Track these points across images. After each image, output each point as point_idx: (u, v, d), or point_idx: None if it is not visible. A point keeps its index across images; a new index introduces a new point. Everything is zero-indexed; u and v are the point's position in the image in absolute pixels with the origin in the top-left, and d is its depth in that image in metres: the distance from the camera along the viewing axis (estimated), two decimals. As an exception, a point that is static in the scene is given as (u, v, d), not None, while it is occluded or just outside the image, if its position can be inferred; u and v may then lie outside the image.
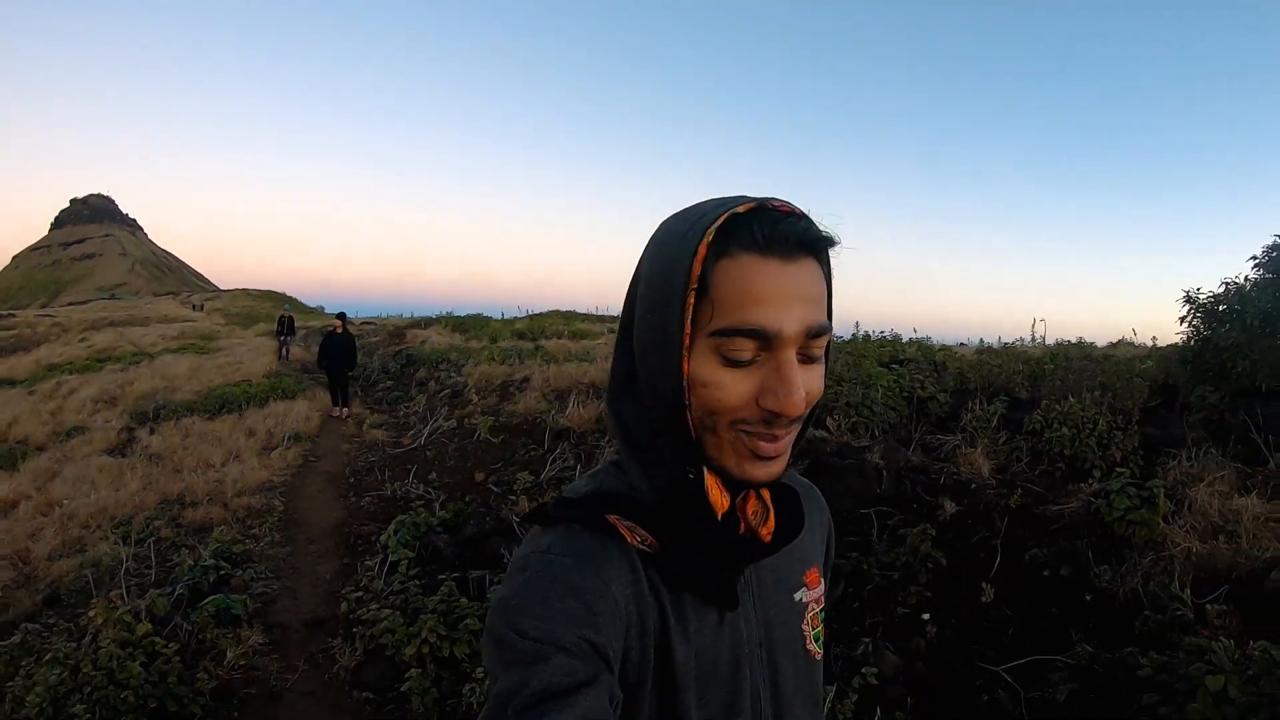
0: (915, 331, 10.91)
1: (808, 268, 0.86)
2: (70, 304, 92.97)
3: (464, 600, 4.32)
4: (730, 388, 0.85)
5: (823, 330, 0.87)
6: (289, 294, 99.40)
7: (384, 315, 40.99)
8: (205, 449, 10.69)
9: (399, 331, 23.77)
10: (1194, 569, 4.07)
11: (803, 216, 0.87)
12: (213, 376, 18.19)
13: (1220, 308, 6.76)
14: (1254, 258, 7.32)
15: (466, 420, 9.88)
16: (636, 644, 0.86)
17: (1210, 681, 2.97)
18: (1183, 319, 7.01)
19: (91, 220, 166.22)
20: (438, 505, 6.86)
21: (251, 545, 6.66)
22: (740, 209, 0.85)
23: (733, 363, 0.85)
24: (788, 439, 0.89)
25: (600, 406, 8.65)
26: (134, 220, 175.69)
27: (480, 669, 3.86)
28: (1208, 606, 3.69)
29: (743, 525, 0.93)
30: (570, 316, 24.90)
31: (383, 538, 5.92)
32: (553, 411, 8.84)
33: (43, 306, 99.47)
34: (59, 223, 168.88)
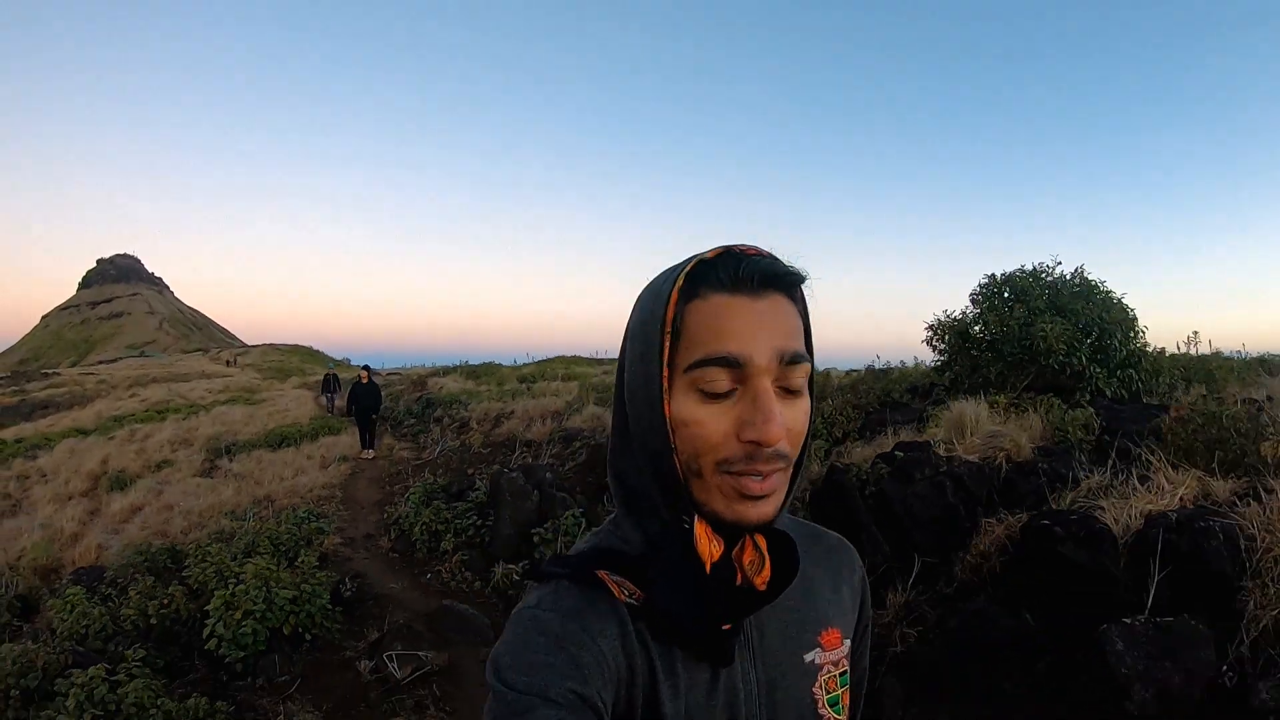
0: (878, 359, 14.10)
1: (776, 302, 0.93)
2: (101, 362, 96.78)
3: (443, 507, 8.72)
4: (710, 423, 0.91)
5: (798, 358, 0.92)
6: (314, 347, 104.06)
7: (408, 366, 45.90)
8: (276, 469, 15.11)
9: (421, 380, 28.24)
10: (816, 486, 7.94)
11: (768, 256, 0.94)
12: (266, 422, 22.73)
13: (949, 331, 10.53)
14: (971, 293, 10.75)
15: (467, 440, 14.30)
16: (625, 697, 0.92)
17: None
18: (925, 340, 10.86)
19: (118, 280, 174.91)
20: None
21: (325, 511, 11.03)
22: (708, 255, 0.94)
23: (710, 397, 0.91)
24: (776, 478, 0.92)
25: (552, 424, 13.06)
26: (160, 279, 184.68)
27: (451, 535, 8.22)
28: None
29: (739, 576, 0.95)
30: (572, 361, 29.30)
31: (406, 495, 10.33)
32: (522, 430, 13.23)
33: (73, 364, 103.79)
34: (86, 283, 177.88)
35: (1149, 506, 4.83)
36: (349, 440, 17.16)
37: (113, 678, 5.16)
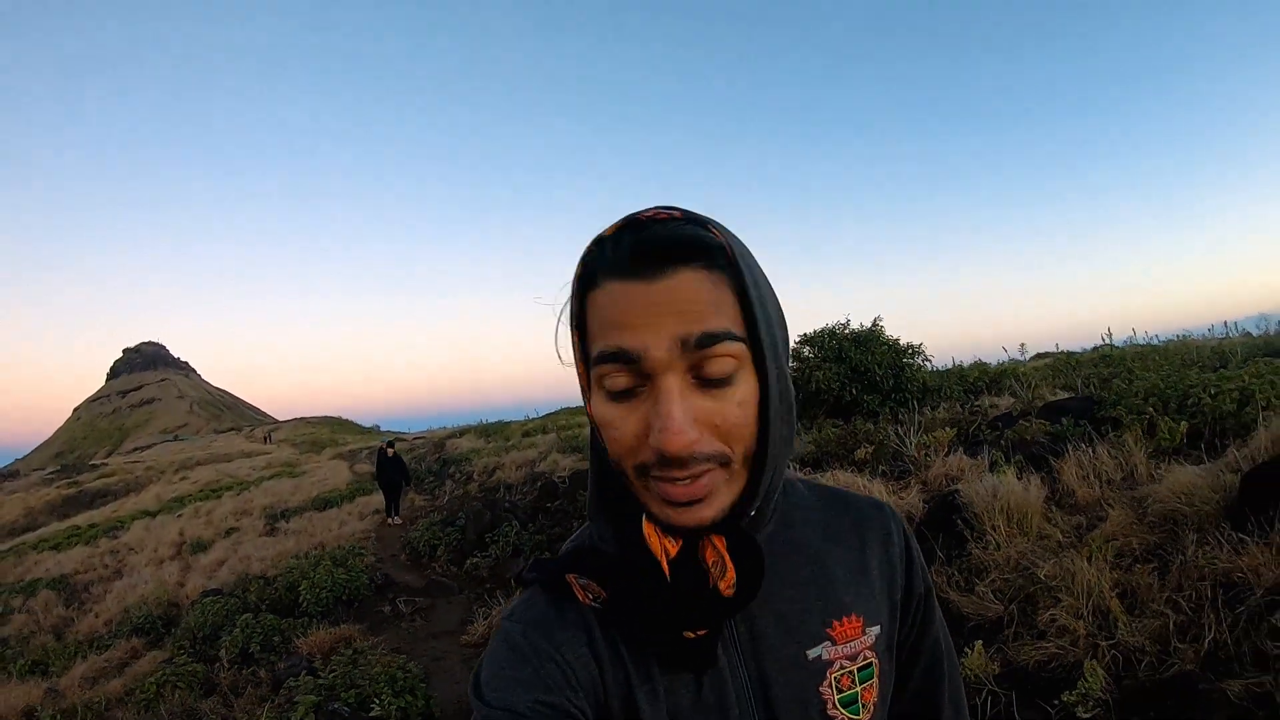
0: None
1: (681, 278, 0.84)
2: (136, 449, 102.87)
3: (439, 530, 14.15)
4: (620, 425, 0.88)
5: (708, 339, 0.84)
6: (343, 417, 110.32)
7: (433, 428, 52.10)
8: (325, 524, 20.47)
9: (441, 442, 33.83)
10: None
11: (676, 219, 0.86)
12: (310, 490, 28.07)
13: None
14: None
15: (468, 489, 19.72)
16: (604, 704, 0.94)
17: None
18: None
19: (146, 367, 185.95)
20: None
21: (363, 546, 16.35)
22: (608, 231, 0.88)
23: (616, 396, 0.88)
24: (710, 479, 0.87)
25: (526, 470, 18.43)
26: (186, 363, 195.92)
27: (442, 546, 13.60)
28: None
29: (711, 578, 0.92)
30: (575, 411, 34.34)
31: (416, 526, 15.72)
32: (507, 476, 18.64)
33: (109, 453, 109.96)
34: (114, 372, 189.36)
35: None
36: (380, 499, 21.71)
37: (256, 618, 10.55)
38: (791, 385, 0.96)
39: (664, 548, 0.92)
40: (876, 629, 1.04)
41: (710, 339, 0.83)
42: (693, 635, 0.91)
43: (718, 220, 0.92)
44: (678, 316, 0.83)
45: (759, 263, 0.95)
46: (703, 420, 0.85)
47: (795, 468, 10.01)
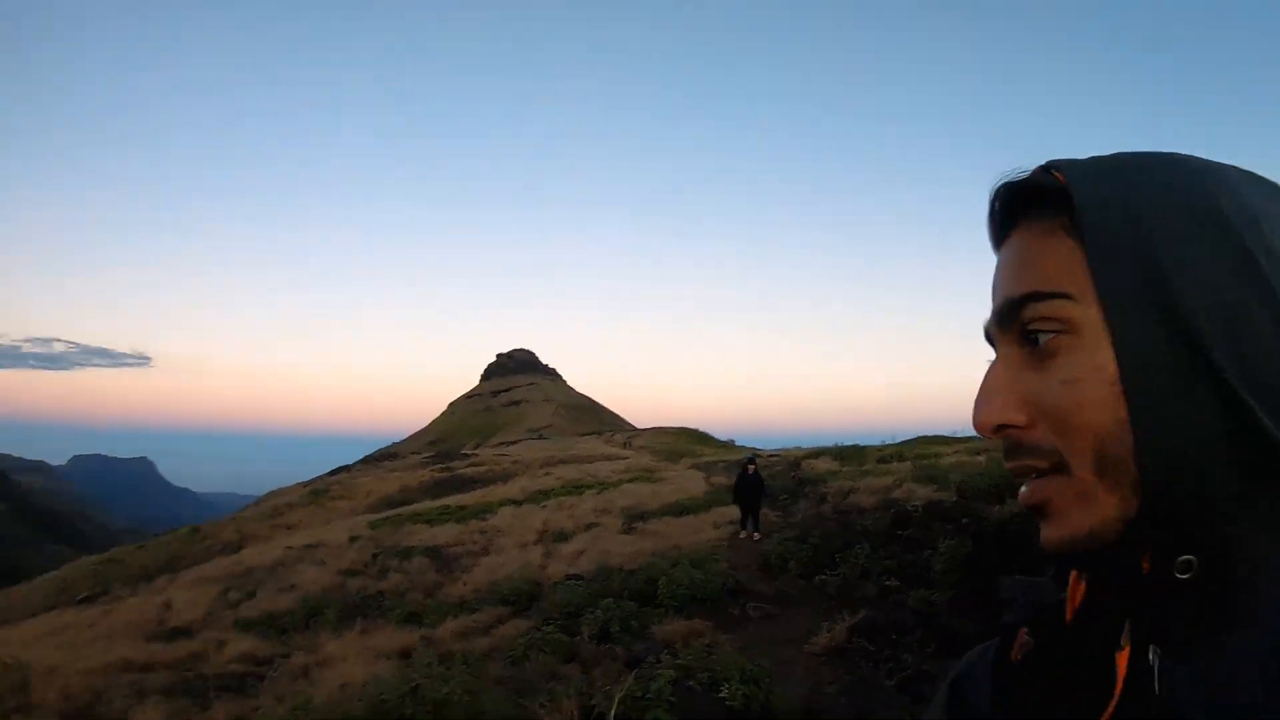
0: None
1: (1012, 242, 0.72)
2: (503, 443, 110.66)
3: (790, 546, 14.59)
4: None
5: (1017, 301, 0.68)
6: (699, 429, 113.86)
7: (786, 447, 52.90)
8: (680, 529, 21.45)
9: (796, 461, 34.43)
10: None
11: (1023, 175, 0.71)
12: (667, 497, 29.50)
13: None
14: None
15: (822, 509, 20.07)
16: None
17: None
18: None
19: (516, 372, 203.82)
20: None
21: (717, 553, 17.00)
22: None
23: None
24: (1048, 487, 0.66)
25: (880, 496, 18.53)
26: (554, 369, 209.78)
27: (792, 560, 14.01)
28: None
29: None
30: (932, 441, 33.95)
31: (770, 540, 16.25)
32: (861, 500, 18.86)
33: (476, 446, 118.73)
34: (488, 374, 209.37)
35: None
36: (734, 511, 21.75)
37: (617, 603, 11.38)
38: (1230, 380, 0.59)
39: (1074, 593, 0.74)
40: None
41: (1010, 307, 0.69)
42: None
43: (1115, 157, 0.69)
44: (1004, 283, 0.71)
45: (1223, 200, 0.63)
46: (1031, 401, 0.67)
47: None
